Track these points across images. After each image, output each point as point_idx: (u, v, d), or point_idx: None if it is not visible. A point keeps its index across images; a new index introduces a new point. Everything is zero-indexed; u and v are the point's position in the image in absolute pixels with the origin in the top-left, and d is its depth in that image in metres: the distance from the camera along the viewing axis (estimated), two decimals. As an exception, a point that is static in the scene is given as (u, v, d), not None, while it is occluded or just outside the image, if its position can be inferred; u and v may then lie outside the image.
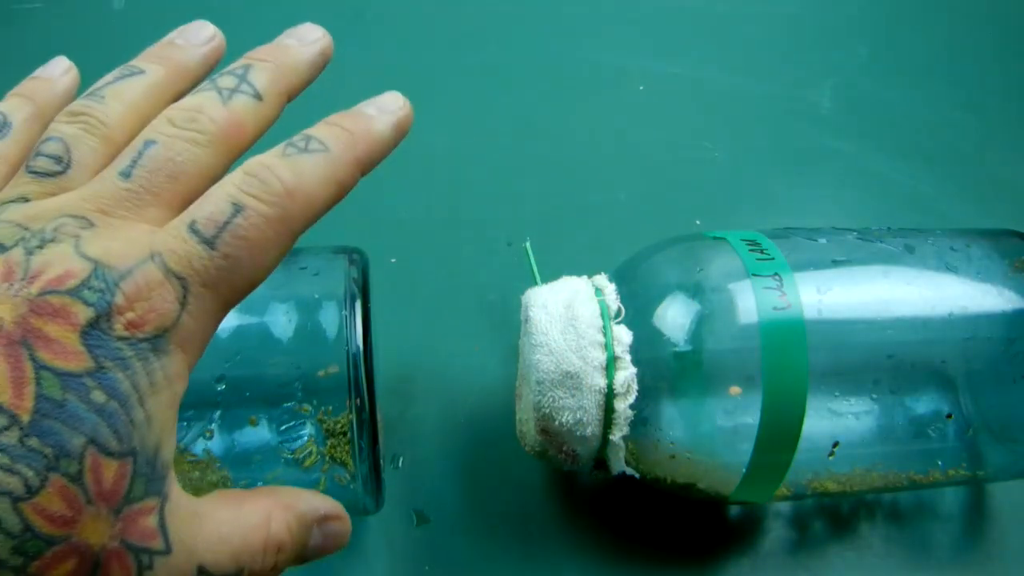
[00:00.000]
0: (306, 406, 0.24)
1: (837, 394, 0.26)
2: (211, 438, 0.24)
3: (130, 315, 0.16)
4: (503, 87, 0.47)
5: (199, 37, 0.21)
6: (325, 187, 0.18)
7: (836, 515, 0.31)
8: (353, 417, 0.24)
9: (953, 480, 0.28)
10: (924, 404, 0.27)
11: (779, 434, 0.25)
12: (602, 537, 0.30)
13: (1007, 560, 0.30)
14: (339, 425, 0.25)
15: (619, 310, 0.26)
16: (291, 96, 0.20)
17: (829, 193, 0.43)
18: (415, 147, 0.45)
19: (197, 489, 0.25)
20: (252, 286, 0.18)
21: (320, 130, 0.19)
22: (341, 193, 0.19)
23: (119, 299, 0.16)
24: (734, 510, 0.31)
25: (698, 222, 0.40)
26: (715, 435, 0.26)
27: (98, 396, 0.15)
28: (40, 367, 0.15)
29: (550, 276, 0.28)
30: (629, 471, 0.27)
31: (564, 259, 0.31)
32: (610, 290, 0.27)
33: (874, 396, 0.26)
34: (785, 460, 0.26)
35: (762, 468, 0.26)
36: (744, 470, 0.26)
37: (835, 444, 0.26)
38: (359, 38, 0.50)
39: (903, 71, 0.50)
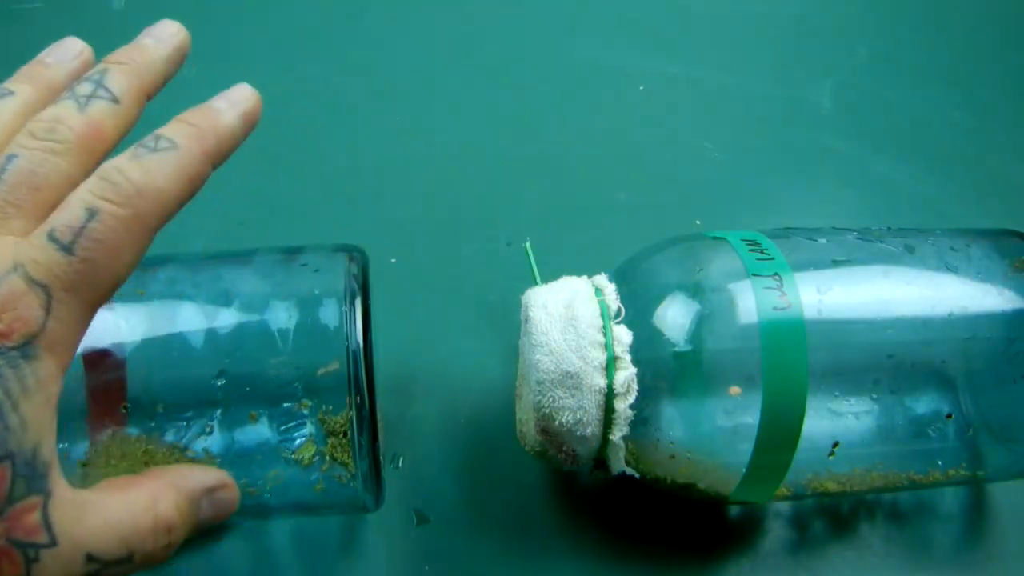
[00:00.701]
0: (306, 401, 0.24)
1: (837, 394, 0.26)
2: (211, 434, 0.24)
3: None
4: (503, 87, 0.47)
5: (67, 54, 0.22)
6: (176, 183, 0.19)
7: (836, 515, 0.31)
8: (353, 414, 0.24)
9: (953, 480, 0.28)
10: (924, 404, 0.27)
11: (779, 434, 0.25)
12: (602, 537, 0.30)
13: (1007, 560, 0.30)
14: (339, 424, 0.24)
15: (619, 310, 0.26)
16: (150, 95, 0.22)
17: (829, 193, 0.43)
18: (415, 147, 0.46)
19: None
20: (115, 285, 0.19)
21: (169, 128, 0.20)
22: (194, 187, 0.20)
23: None
24: (734, 510, 0.31)
25: (698, 222, 0.40)
26: (715, 435, 0.26)
27: None
28: None
29: (550, 276, 0.28)
30: (629, 471, 0.27)
31: (564, 259, 0.31)
32: (610, 290, 0.27)
33: (874, 396, 0.26)
34: (785, 460, 0.26)
35: (762, 468, 0.26)
36: (744, 470, 0.26)
37: (835, 444, 0.26)
38: (359, 38, 0.50)
39: (903, 71, 0.50)
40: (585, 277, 0.28)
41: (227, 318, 0.25)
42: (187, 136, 0.20)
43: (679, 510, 0.31)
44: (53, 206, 0.19)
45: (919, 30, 0.53)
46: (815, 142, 0.45)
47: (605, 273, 0.28)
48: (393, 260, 0.38)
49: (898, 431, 0.27)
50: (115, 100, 0.20)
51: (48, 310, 0.18)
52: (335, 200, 0.41)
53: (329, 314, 0.25)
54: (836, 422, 0.26)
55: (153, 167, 0.19)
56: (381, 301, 0.27)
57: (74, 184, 0.19)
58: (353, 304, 0.25)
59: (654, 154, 0.44)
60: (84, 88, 0.20)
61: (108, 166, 0.19)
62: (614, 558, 0.30)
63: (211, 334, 0.25)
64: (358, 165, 0.43)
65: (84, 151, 0.19)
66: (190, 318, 0.25)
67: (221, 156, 0.21)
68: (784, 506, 0.31)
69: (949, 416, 0.27)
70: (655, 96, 0.47)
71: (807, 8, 0.53)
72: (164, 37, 0.22)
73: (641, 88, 0.48)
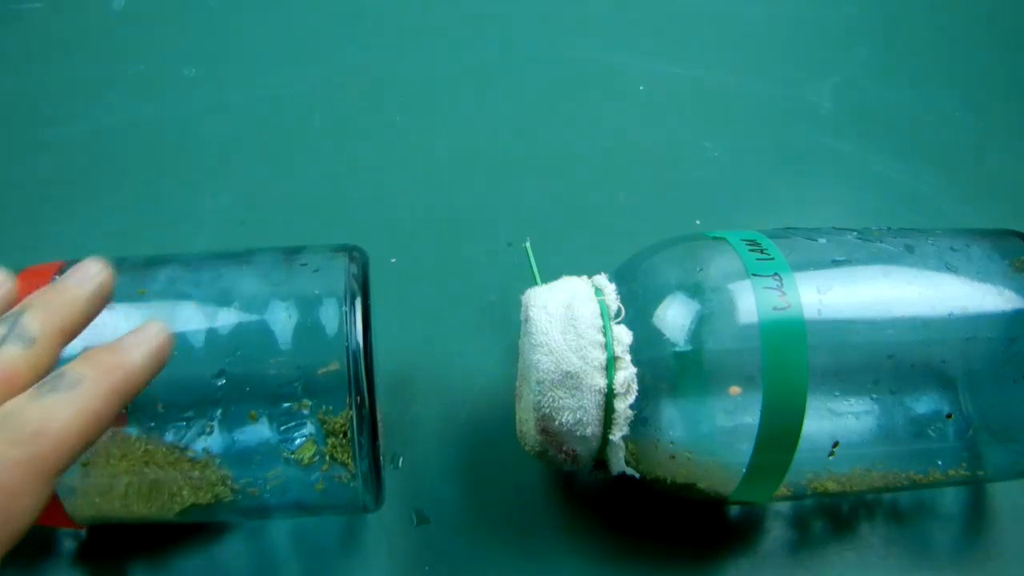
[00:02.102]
0: (306, 401, 0.24)
1: (837, 394, 0.26)
2: (211, 433, 0.24)
3: None
4: (503, 87, 0.47)
5: None
6: (78, 422, 0.18)
7: (836, 515, 0.31)
8: (353, 414, 0.24)
9: (953, 480, 0.28)
10: (924, 404, 0.27)
11: (779, 434, 0.25)
12: (602, 537, 0.30)
13: (1007, 560, 0.30)
14: (339, 424, 0.25)
15: (619, 310, 0.26)
16: (70, 334, 0.21)
17: (829, 193, 0.43)
18: (415, 147, 0.45)
19: (196, 488, 0.25)
20: (13, 534, 0.18)
21: (75, 365, 0.19)
22: (101, 425, 0.19)
23: None
24: (734, 510, 0.31)
25: (698, 222, 0.40)
26: (715, 435, 0.26)
27: None
28: None
29: (550, 276, 0.28)
30: (629, 471, 0.27)
31: (564, 259, 0.31)
32: (610, 290, 0.27)
33: (874, 396, 0.26)
34: (785, 460, 0.26)
35: (762, 468, 0.26)
36: (744, 470, 0.26)
37: (835, 444, 0.26)
38: (359, 38, 0.50)
39: (903, 71, 0.50)
40: (585, 277, 0.28)
41: (227, 318, 0.25)
42: (92, 374, 0.19)
43: (679, 510, 0.31)
44: None
45: (919, 30, 0.53)
46: (815, 142, 0.45)
47: (605, 273, 0.28)
48: (393, 260, 0.38)
49: (898, 431, 0.27)
50: (31, 342, 0.20)
51: None
52: (335, 200, 0.41)
53: (329, 314, 0.25)
54: (836, 422, 0.26)
55: (54, 407, 0.18)
56: (381, 301, 0.27)
57: None
58: (353, 304, 0.25)
59: (654, 154, 0.44)
60: None
61: (6, 407, 0.18)
62: (614, 558, 0.30)
63: (211, 334, 0.25)
64: (358, 165, 0.43)
65: None
66: (190, 318, 0.25)
67: (130, 393, 0.20)
68: (784, 506, 0.31)
69: (949, 416, 0.26)
70: (655, 96, 0.47)
71: (807, 8, 0.53)
72: (86, 277, 0.22)
73: (641, 88, 0.48)
